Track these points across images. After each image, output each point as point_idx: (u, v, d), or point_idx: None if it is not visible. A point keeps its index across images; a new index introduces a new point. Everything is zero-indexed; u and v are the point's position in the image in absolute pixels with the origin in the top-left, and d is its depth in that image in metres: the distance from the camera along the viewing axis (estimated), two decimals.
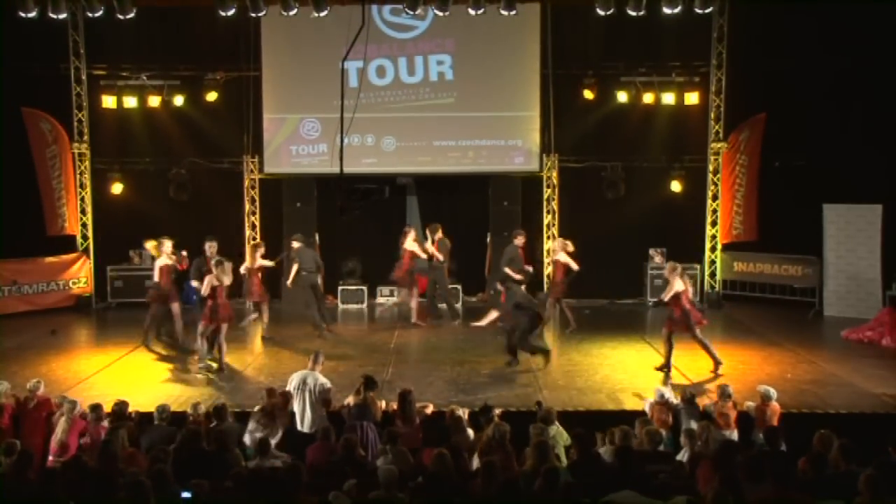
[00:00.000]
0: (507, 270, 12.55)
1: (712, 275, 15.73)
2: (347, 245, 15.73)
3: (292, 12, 13.32)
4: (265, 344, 12.59)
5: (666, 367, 10.67)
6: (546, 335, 13.01)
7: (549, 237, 15.53)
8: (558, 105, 15.33)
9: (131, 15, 13.24)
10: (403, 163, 15.58)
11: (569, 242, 13.01)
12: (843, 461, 6.21)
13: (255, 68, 15.30)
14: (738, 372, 10.65)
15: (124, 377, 10.82)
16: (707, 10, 13.54)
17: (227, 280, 10.99)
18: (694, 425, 7.73)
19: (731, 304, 15.40)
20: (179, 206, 15.41)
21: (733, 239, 15.69)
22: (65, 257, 15.43)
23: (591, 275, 13.82)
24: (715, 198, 15.64)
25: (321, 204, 15.50)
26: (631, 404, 9.36)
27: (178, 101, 15.38)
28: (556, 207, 15.73)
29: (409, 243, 13.47)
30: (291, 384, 8.59)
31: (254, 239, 15.24)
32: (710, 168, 15.61)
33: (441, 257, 13.58)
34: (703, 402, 8.76)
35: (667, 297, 10.63)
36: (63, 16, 13.61)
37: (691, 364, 10.89)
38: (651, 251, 15.62)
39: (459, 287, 15.15)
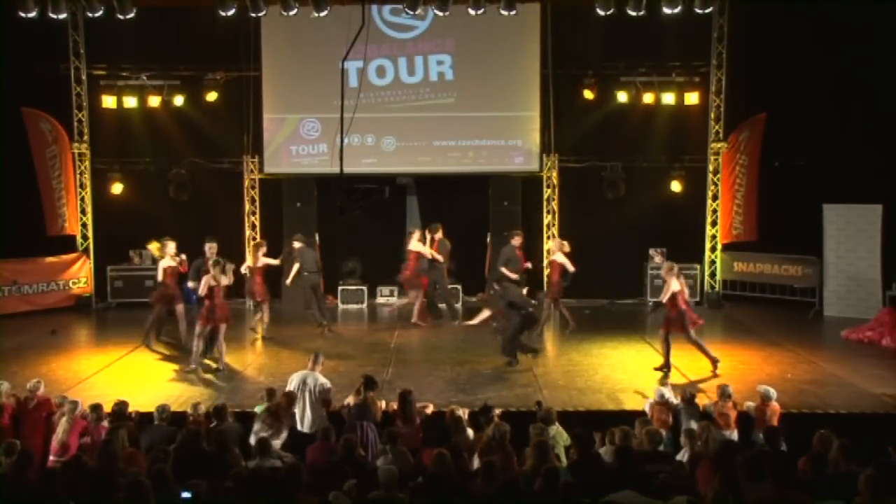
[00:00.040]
0: (504, 270, 12.56)
1: (712, 275, 15.73)
2: (347, 245, 15.73)
3: (292, 12, 13.32)
4: (265, 344, 12.59)
5: (665, 367, 10.69)
6: (546, 335, 13.06)
7: (549, 237, 15.51)
8: (558, 105, 15.32)
9: (131, 15, 13.23)
10: (403, 163, 15.58)
11: (565, 243, 13.01)
12: (843, 461, 6.21)
13: (255, 68, 15.30)
14: (738, 372, 10.66)
15: (124, 377, 10.83)
16: (707, 10, 13.54)
17: (226, 280, 11.01)
18: (694, 425, 7.73)
19: (732, 304, 15.40)
20: (179, 206, 15.41)
21: (733, 239, 15.68)
22: (65, 257, 15.43)
23: (591, 275, 13.84)
24: (715, 198, 15.64)
25: (321, 204, 15.48)
26: (631, 404, 9.36)
27: (178, 101, 15.38)
28: (556, 207, 15.73)
29: (415, 244, 13.49)
30: (291, 384, 8.59)
31: (254, 239, 15.23)
32: (710, 168, 15.61)
33: (441, 259, 13.61)
34: (702, 402, 8.76)
35: (664, 297, 10.65)
36: (63, 16, 13.61)
37: (691, 364, 10.89)
38: (651, 251, 15.62)
39: (459, 287, 15.15)
